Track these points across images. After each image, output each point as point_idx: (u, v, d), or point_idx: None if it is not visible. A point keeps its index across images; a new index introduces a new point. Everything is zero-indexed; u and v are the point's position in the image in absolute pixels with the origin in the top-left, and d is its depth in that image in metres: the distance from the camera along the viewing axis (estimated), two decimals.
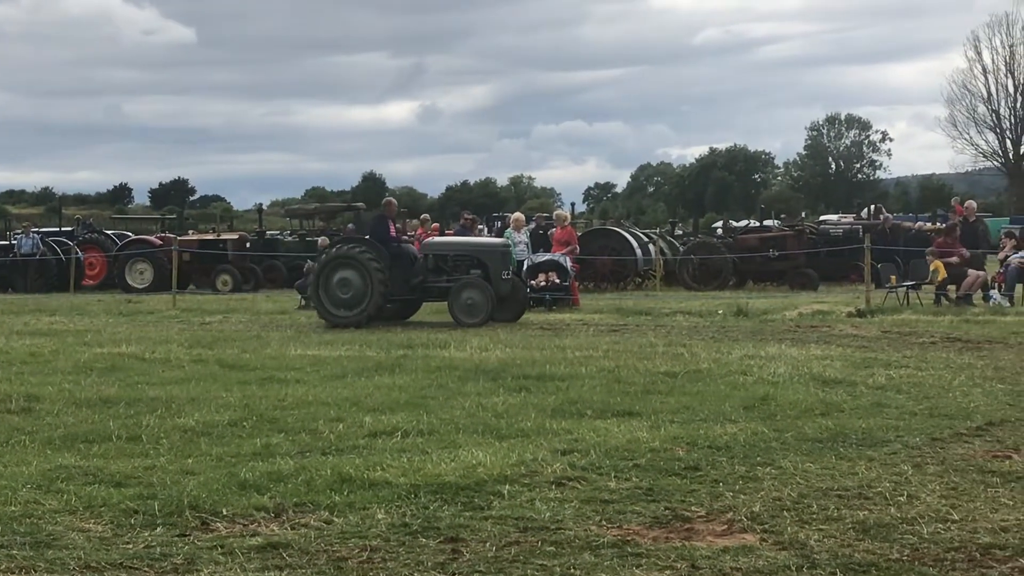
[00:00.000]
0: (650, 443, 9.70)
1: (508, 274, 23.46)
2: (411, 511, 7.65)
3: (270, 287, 39.43)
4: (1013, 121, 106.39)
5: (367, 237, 24.03)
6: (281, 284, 39.26)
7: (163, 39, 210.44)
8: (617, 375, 14.11)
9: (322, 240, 34.00)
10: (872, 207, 45.32)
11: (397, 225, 26.35)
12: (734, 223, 53.06)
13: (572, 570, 6.49)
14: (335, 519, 7.51)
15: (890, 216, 45.53)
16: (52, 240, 41.73)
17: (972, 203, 30.00)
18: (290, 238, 46.76)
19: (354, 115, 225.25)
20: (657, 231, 47.09)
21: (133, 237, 45.17)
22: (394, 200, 26.15)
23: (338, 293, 23.02)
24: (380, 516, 7.52)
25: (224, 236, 44.06)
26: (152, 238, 44.10)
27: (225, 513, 7.65)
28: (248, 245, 41.82)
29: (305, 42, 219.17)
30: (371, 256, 23.06)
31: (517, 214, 31.61)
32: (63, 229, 46.12)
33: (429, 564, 6.63)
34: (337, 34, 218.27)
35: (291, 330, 22.06)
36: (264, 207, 59.29)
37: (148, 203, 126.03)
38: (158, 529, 7.31)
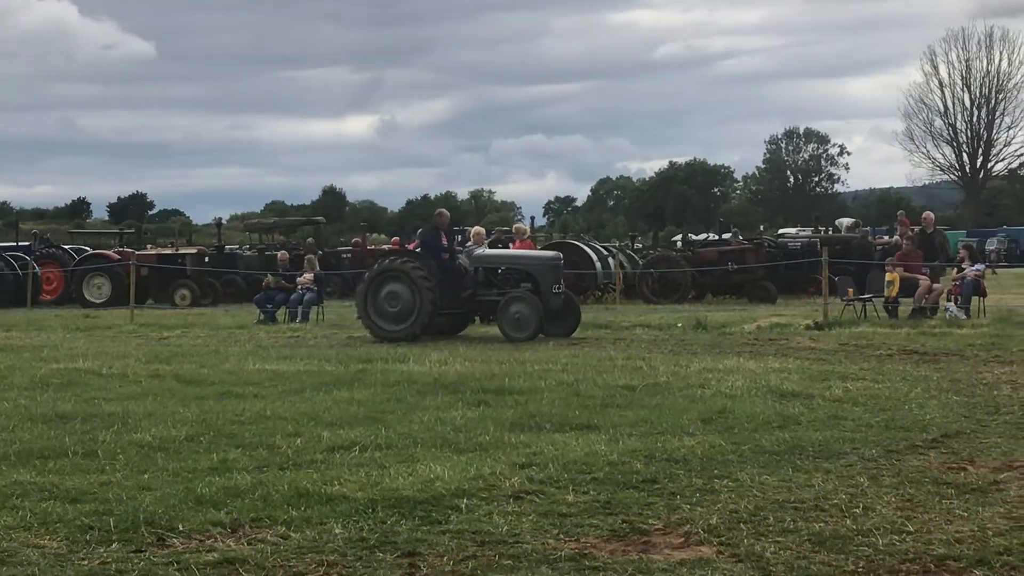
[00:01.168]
0: (608, 456, 9.71)
1: (559, 288, 22.98)
2: (368, 526, 7.64)
3: (229, 302, 39.18)
4: (969, 135, 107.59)
5: (418, 249, 23.80)
6: (240, 299, 39.01)
7: (122, 53, 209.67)
8: (576, 389, 14.13)
9: (282, 254, 33.90)
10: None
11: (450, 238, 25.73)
12: (693, 236, 53.29)
13: None
14: (292, 534, 7.49)
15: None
16: (9, 255, 41.38)
17: (930, 214, 30.17)
18: (249, 252, 46.55)
19: (314, 129, 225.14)
20: (617, 245, 47.21)
21: (91, 252, 44.88)
22: (446, 211, 25.39)
23: (386, 307, 22.67)
24: (337, 531, 7.51)
25: (183, 251, 43.90)
26: (110, 253, 43.82)
27: (181, 529, 7.62)
28: (207, 259, 41.60)
29: (265, 56, 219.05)
30: (419, 268, 22.65)
31: (477, 228, 31.57)
32: (20, 244, 45.75)
33: None
34: (297, 49, 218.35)
35: (250, 345, 21.97)
36: (223, 221, 59.07)
37: (106, 217, 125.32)
38: (113, 545, 7.27)
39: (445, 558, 6.96)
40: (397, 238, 55.49)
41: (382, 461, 9.67)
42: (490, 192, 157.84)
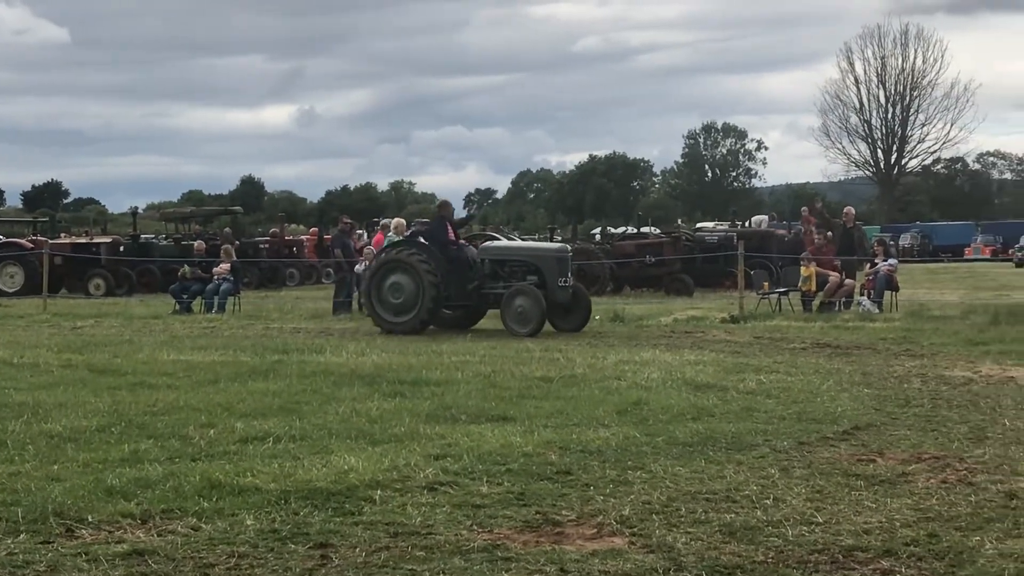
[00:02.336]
0: (523, 448, 9.72)
1: (566, 281, 22.26)
2: (281, 517, 7.59)
3: (144, 292, 38.79)
4: (884, 131, 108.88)
5: (422, 240, 23.25)
6: (156, 289, 38.62)
7: (35, 39, 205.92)
8: (493, 380, 14.14)
9: (198, 244, 33.62)
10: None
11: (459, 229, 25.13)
12: (612, 230, 53.48)
13: (441, 575, 6.49)
14: (203, 525, 7.42)
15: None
16: None
17: (850, 209, 30.45)
18: (165, 242, 46.11)
19: (232, 118, 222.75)
20: (536, 237, 47.27)
21: (3, 240, 44.26)
22: (450, 202, 25.04)
23: (390, 298, 22.23)
24: (249, 522, 7.45)
25: (97, 240, 43.34)
26: (23, 241, 43.25)
27: (91, 520, 7.53)
28: (122, 249, 41.18)
29: (183, 44, 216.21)
30: (423, 260, 22.18)
31: (398, 219, 31.47)
32: None
33: (298, 570, 6.59)
34: (215, 36, 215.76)
35: (165, 335, 21.77)
36: (139, 210, 58.19)
37: (20, 206, 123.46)
38: (21, 536, 7.18)
39: (357, 549, 6.93)
40: (316, 229, 55.28)
41: (296, 452, 9.62)
42: (410, 183, 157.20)
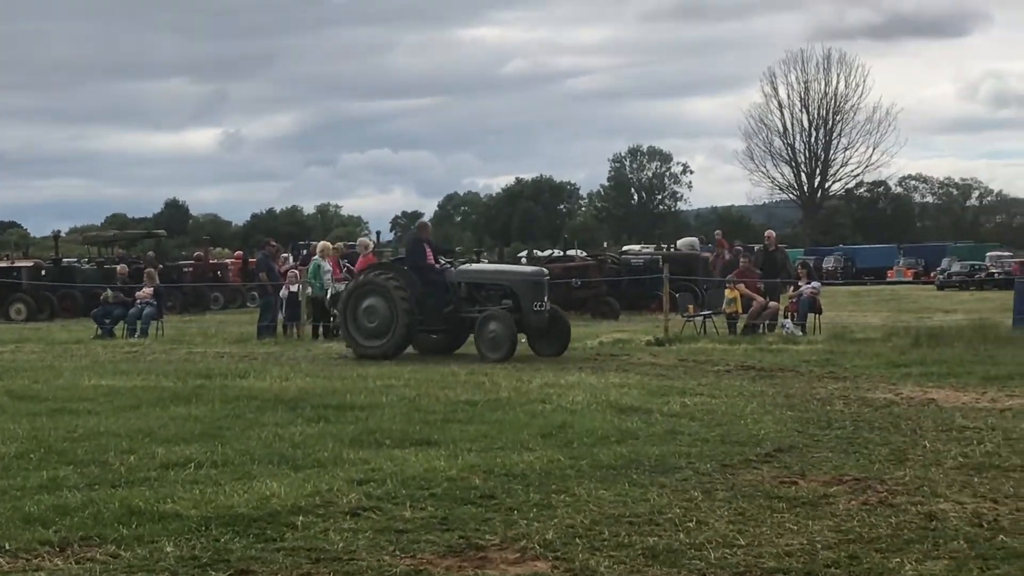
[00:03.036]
0: (447, 472, 9.70)
1: (541, 305, 21.64)
2: (201, 544, 7.52)
3: (66, 316, 38.37)
4: (808, 155, 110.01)
5: (397, 262, 22.71)
6: (78, 313, 38.20)
7: None
8: (417, 404, 14.11)
9: (120, 268, 33.32)
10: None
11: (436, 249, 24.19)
12: (539, 253, 53.60)
13: None
14: (122, 552, 7.35)
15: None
16: None
17: (771, 232, 30.76)
18: (88, 266, 45.63)
19: (156, 141, 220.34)
20: (463, 260, 47.26)
21: None
22: (428, 223, 24.50)
23: (365, 322, 21.80)
24: (169, 549, 7.39)
25: (19, 264, 42.86)
26: None
27: (8, 548, 7.43)
28: (43, 273, 40.72)
29: (105, 66, 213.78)
30: (396, 282, 21.75)
31: (324, 242, 31.39)
32: None
33: None
34: (138, 59, 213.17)
35: (86, 360, 21.54)
36: (62, 234, 57.68)
37: None
38: None
39: (279, 575, 6.88)
40: (241, 253, 54.94)
41: (217, 478, 9.53)
42: (337, 206, 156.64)
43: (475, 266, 24.26)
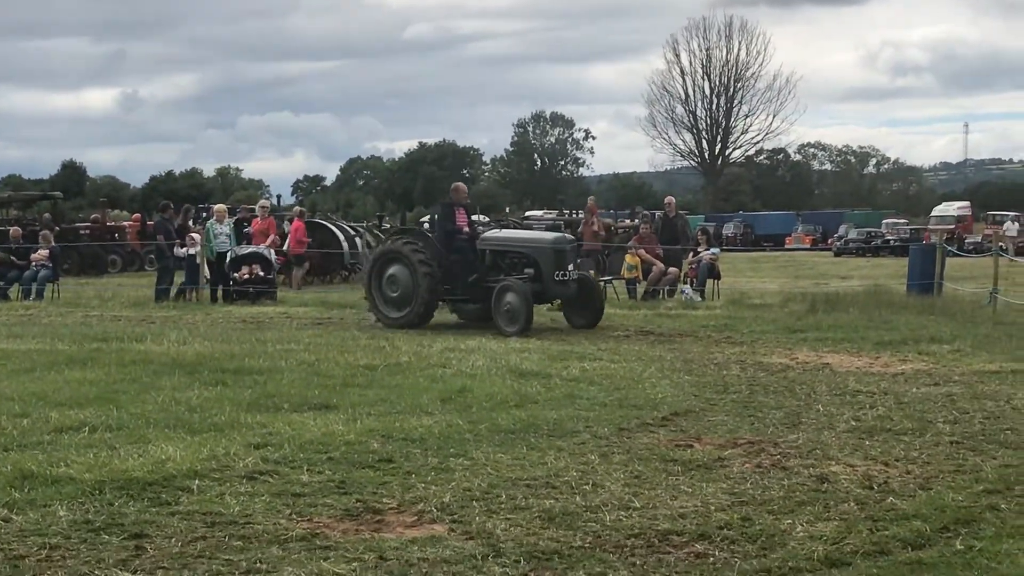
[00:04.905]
0: (345, 436, 9.69)
1: (565, 274, 20.16)
2: (95, 507, 7.45)
3: None
4: (709, 122, 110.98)
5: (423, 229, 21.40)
6: None
7: None
8: (317, 368, 14.05)
9: (14, 230, 32.77)
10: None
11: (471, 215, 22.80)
12: None
13: (259, 564, 6.44)
14: (14, 517, 7.25)
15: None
16: None
17: (671, 199, 30.85)
18: None
19: (53, 101, 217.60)
20: (364, 225, 47.02)
21: None
22: (463, 185, 22.78)
23: (388, 291, 20.83)
24: (62, 513, 7.30)
25: None
26: None
27: None
28: None
29: (2, 25, 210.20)
30: (418, 250, 20.69)
31: (219, 205, 31.13)
32: None
33: (111, 561, 6.48)
34: (35, 17, 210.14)
35: None
36: None
37: None
38: None
39: (173, 540, 6.83)
40: (139, 215, 54.30)
41: (112, 442, 9.43)
42: (237, 169, 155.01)
43: (496, 233, 22.69)
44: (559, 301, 20.79)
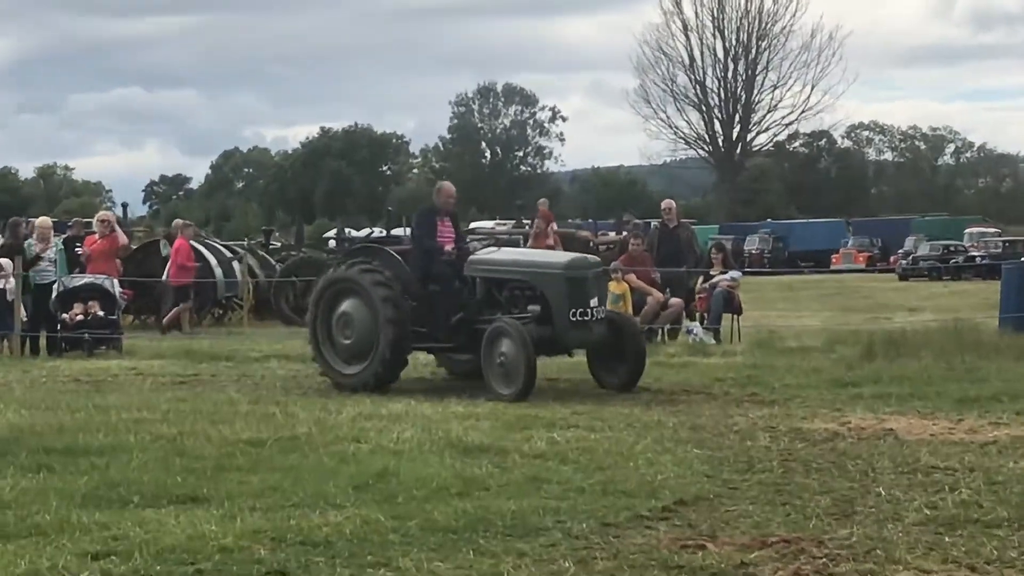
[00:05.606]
0: (220, 540, 9.65)
1: (585, 313, 18.96)
2: None
3: None
4: (723, 96, 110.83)
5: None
6: None
7: None
8: (180, 446, 14.01)
9: None
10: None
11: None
12: (353, 232, 53.53)
13: None
14: None
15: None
16: None
17: (671, 202, 30.68)
18: None
19: None
20: (246, 244, 47.02)
21: None
22: (449, 185, 22.02)
23: (340, 337, 20.08)
24: None
25: None
26: None
27: None
28: None
29: None
30: (380, 279, 19.65)
31: (43, 219, 30.99)
32: None
33: None
34: None
35: None
36: None
37: None
38: None
39: None
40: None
41: None
42: (66, 168, 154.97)
43: (490, 254, 21.51)
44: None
